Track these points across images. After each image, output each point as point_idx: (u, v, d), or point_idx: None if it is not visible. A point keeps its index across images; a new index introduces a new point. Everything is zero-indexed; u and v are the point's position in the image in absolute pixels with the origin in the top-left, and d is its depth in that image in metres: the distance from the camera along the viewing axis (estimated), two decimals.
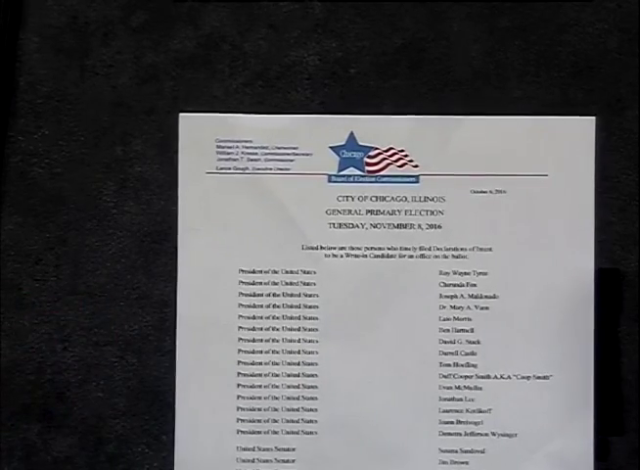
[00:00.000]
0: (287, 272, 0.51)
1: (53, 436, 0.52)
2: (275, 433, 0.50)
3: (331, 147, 0.51)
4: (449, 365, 0.50)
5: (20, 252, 0.51)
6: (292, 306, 0.51)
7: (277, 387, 0.50)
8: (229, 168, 0.51)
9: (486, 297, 0.51)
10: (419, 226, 0.51)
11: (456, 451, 0.50)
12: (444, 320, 0.50)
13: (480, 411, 0.50)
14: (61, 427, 0.51)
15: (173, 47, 0.52)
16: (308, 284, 0.51)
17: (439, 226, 0.51)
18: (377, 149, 0.51)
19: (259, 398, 0.50)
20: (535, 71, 0.52)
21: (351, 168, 0.51)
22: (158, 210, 0.51)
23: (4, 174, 0.52)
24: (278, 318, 0.51)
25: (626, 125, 0.52)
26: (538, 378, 0.50)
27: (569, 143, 0.51)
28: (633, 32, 0.52)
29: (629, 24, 0.52)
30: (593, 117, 0.51)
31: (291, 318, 0.51)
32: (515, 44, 0.52)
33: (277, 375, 0.50)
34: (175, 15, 0.52)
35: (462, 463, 0.50)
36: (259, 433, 0.50)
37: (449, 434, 0.50)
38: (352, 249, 0.51)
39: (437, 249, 0.51)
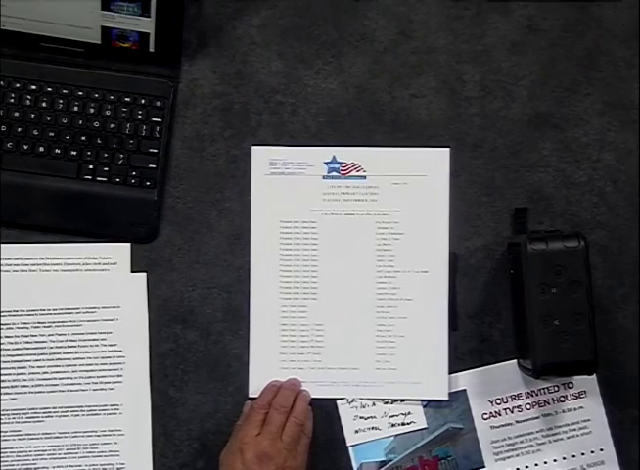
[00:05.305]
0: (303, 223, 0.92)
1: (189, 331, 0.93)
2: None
3: (324, 162, 0.92)
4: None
5: (174, 246, 0.94)
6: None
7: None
8: (275, 173, 0.91)
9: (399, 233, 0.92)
10: (364, 200, 0.92)
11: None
12: (379, 250, 0.92)
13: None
14: (191, 327, 0.93)
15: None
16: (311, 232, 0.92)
17: (375, 200, 0.92)
18: (345, 163, 0.92)
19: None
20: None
21: (334, 173, 0.92)
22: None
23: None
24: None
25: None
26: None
27: (435, 160, 0.91)
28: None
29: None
30: (447, 149, 0.92)
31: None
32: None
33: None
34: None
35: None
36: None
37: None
38: (337, 210, 0.91)
39: (374, 212, 0.91)
